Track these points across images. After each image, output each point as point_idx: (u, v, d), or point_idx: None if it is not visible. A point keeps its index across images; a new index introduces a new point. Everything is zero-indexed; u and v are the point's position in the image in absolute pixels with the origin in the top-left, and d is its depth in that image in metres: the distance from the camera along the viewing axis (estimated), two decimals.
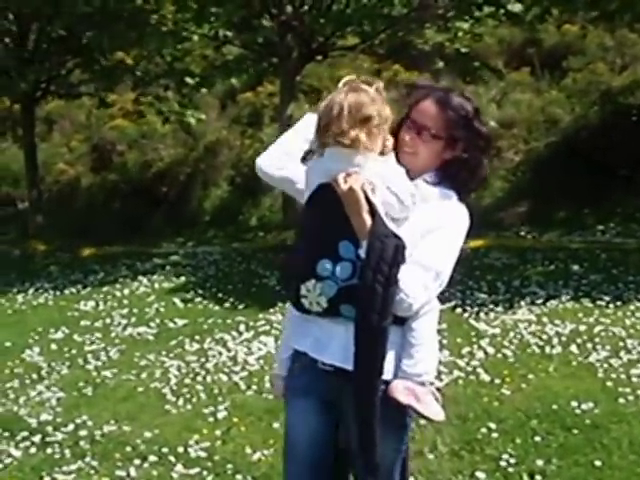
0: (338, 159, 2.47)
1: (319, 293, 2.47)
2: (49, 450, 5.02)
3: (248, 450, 4.79)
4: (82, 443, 5.09)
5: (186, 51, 13.60)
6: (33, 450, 5.05)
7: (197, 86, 13.54)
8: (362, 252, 2.42)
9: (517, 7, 11.42)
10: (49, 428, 5.37)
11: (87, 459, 4.85)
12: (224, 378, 6.16)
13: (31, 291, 10.24)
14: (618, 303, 7.40)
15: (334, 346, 2.54)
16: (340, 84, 2.54)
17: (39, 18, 13.41)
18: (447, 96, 2.63)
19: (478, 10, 11.44)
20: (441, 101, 2.61)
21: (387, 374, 2.51)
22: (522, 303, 7.65)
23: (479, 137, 2.64)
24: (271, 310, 8.06)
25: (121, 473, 4.61)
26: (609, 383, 5.43)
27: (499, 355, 6.17)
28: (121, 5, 12.28)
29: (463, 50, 12.54)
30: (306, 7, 12.06)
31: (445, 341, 6.50)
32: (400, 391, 2.51)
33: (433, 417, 2.55)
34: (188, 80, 13.56)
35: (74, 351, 7.33)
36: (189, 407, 5.64)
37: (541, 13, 11.11)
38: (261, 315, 7.91)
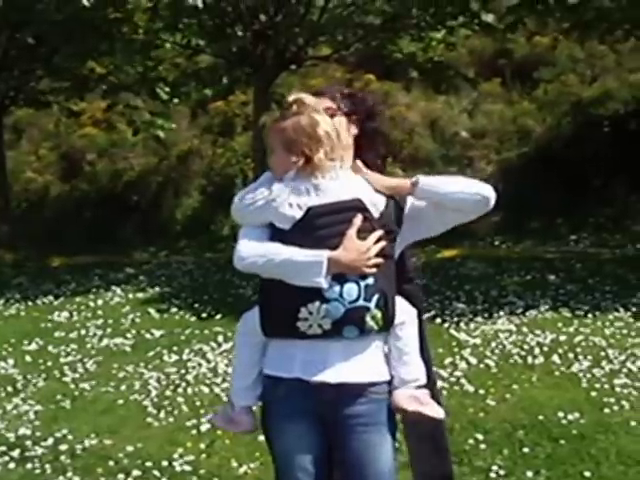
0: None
1: (323, 315, 2.43)
2: (29, 465, 4.91)
3: (234, 463, 4.72)
4: (63, 458, 4.99)
5: (159, 60, 13.48)
6: (12, 465, 4.93)
7: (170, 96, 13.43)
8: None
9: (490, 17, 11.52)
10: (28, 442, 5.25)
11: (69, 474, 4.75)
12: (205, 390, 6.08)
13: (1, 302, 10.05)
14: (597, 313, 7.46)
15: (334, 365, 2.52)
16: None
17: (8, 26, 13.22)
18: None
19: (453, 19, 11.51)
20: None
21: (385, 375, 2.58)
22: (501, 313, 7.67)
23: None
24: None
25: None
26: (593, 393, 5.44)
27: (482, 365, 6.17)
28: (92, 13, 12.16)
29: (437, 58, 12.60)
30: (280, 16, 12.04)
31: None
32: (405, 400, 2.56)
33: (437, 416, 2.59)
34: (159, 91, 13.45)
35: (49, 363, 7.19)
36: (171, 420, 5.55)
37: (514, 21, 11.20)
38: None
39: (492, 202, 2.58)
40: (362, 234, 2.46)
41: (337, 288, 2.44)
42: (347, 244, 2.43)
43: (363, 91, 2.97)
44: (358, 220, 2.45)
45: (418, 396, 2.57)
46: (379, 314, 2.47)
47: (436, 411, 2.58)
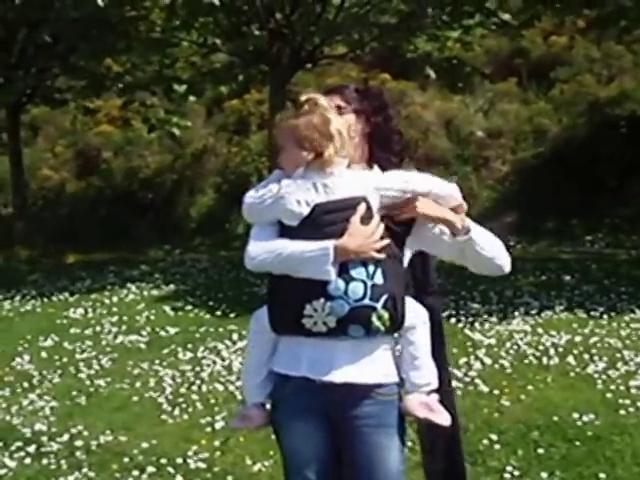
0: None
1: (328, 312, 2.43)
2: (45, 461, 4.93)
3: (248, 461, 4.73)
4: (78, 454, 5.01)
5: (174, 58, 13.52)
6: (28, 461, 4.95)
7: (185, 94, 13.47)
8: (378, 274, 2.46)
9: (506, 16, 11.49)
10: (44, 438, 5.27)
11: (84, 470, 4.76)
12: (220, 388, 6.10)
13: (17, 298, 10.11)
14: (612, 314, 7.44)
15: (340, 364, 2.52)
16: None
17: (26, 24, 13.28)
18: None
19: (469, 18, 11.48)
20: None
21: (393, 377, 2.57)
22: (516, 313, 7.66)
23: None
24: None
25: None
26: (608, 395, 5.43)
27: (496, 366, 6.16)
28: (109, 11, 12.19)
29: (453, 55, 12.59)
30: (296, 15, 12.04)
31: None
32: (416, 407, 2.57)
33: (444, 423, 2.59)
34: (176, 87, 13.49)
35: (65, 359, 7.23)
36: (185, 417, 5.57)
37: (529, 18, 11.18)
38: None
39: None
40: (366, 222, 2.46)
41: (342, 286, 2.43)
42: (352, 230, 2.43)
43: (379, 87, 2.93)
44: (362, 208, 2.45)
45: (429, 402, 2.57)
46: (386, 315, 2.45)
47: (444, 418, 2.58)
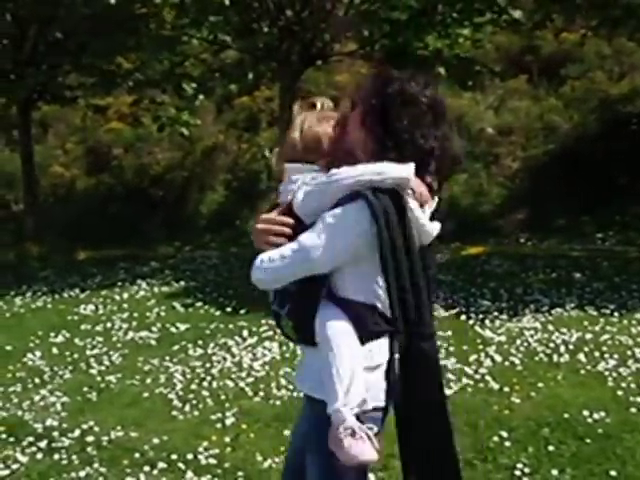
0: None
1: (286, 323, 2.49)
2: (56, 456, 4.96)
3: (258, 457, 4.74)
4: (89, 449, 5.03)
5: (185, 56, 13.52)
6: (40, 456, 4.99)
7: (195, 92, 13.46)
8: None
9: (517, 13, 11.43)
10: (55, 433, 5.30)
11: (95, 465, 4.79)
12: (230, 384, 6.12)
13: (29, 294, 10.15)
14: (623, 311, 7.43)
15: (305, 374, 2.56)
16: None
17: (37, 20, 13.32)
18: None
19: (479, 15, 11.43)
20: None
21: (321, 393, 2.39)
22: (526, 311, 7.65)
23: None
24: None
25: None
26: (619, 392, 5.41)
27: (507, 363, 6.15)
28: (120, 9, 12.21)
29: (463, 55, 12.52)
30: (306, 12, 12.03)
31: (452, 348, 6.52)
32: (329, 438, 2.30)
33: (349, 463, 2.22)
34: (186, 87, 13.48)
35: (76, 355, 7.26)
36: (196, 413, 5.59)
37: (541, 18, 11.14)
38: (263, 321, 7.83)
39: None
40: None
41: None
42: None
43: (389, 76, 2.47)
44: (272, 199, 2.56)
45: (334, 435, 2.25)
46: (290, 324, 2.44)
47: (348, 459, 2.21)
